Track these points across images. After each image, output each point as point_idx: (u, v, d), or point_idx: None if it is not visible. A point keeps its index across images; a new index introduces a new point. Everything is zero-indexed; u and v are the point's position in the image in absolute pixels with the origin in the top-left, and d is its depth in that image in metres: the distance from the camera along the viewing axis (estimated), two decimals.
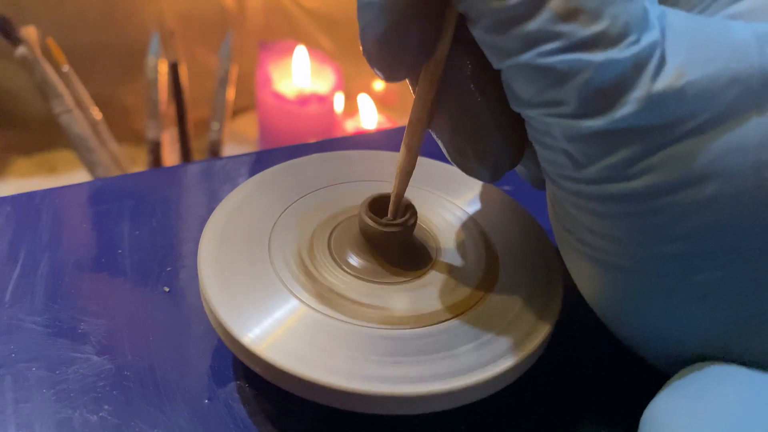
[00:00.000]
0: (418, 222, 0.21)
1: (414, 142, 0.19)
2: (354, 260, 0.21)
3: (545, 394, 0.22)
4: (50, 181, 0.75)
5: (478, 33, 0.15)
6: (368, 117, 0.82)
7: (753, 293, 0.15)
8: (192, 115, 0.71)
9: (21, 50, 0.59)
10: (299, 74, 0.79)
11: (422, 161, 0.25)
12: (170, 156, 0.73)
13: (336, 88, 0.80)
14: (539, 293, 0.21)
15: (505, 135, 0.18)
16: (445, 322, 0.19)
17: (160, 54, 0.67)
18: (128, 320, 0.23)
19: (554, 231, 0.19)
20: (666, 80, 0.14)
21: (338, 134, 0.81)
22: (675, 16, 0.15)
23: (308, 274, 0.20)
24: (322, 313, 0.19)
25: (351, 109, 0.84)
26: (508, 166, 0.19)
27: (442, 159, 0.22)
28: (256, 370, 0.18)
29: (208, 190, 0.30)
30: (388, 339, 0.18)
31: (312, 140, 0.36)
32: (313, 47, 0.83)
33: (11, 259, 0.25)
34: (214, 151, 0.71)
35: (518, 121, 0.17)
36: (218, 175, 0.31)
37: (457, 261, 0.22)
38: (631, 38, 0.14)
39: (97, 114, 0.68)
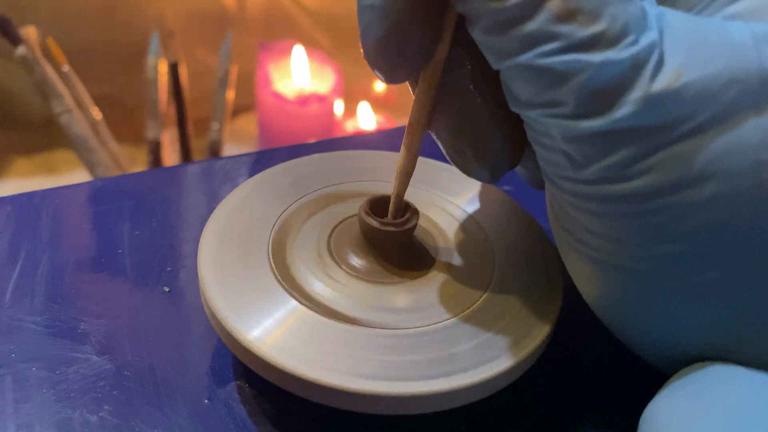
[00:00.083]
0: (418, 222, 0.21)
1: (414, 142, 0.19)
2: (354, 260, 0.21)
3: (545, 394, 0.22)
4: (50, 181, 0.75)
5: (477, 34, 0.15)
6: (367, 121, 0.82)
7: (753, 293, 0.15)
8: (192, 115, 0.71)
9: (21, 50, 0.59)
10: (299, 74, 0.79)
11: (422, 161, 0.25)
12: (170, 156, 0.73)
13: (336, 88, 0.80)
14: (539, 293, 0.21)
15: (505, 135, 0.18)
16: (445, 322, 0.19)
17: (160, 54, 0.67)
18: (128, 320, 0.23)
19: (554, 231, 0.19)
20: (664, 81, 0.14)
21: (338, 134, 0.81)
22: (673, 16, 0.15)
23: (308, 274, 0.20)
24: (322, 313, 0.19)
25: (351, 109, 0.84)
26: (507, 167, 0.19)
27: (442, 159, 0.22)
28: (256, 370, 0.18)
29: (208, 190, 0.30)
30: (388, 339, 0.19)
31: (312, 140, 0.36)
32: (313, 47, 0.83)
33: (11, 259, 0.25)
34: (214, 151, 0.71)
35: (518, 122, 0.17)
36: (218, 175, 0.31)
37: (457, 261, 0.22)
38: (630, 39, 0.14)
39: (97, 114, 0.68)
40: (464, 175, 0.19)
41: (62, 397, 0.20)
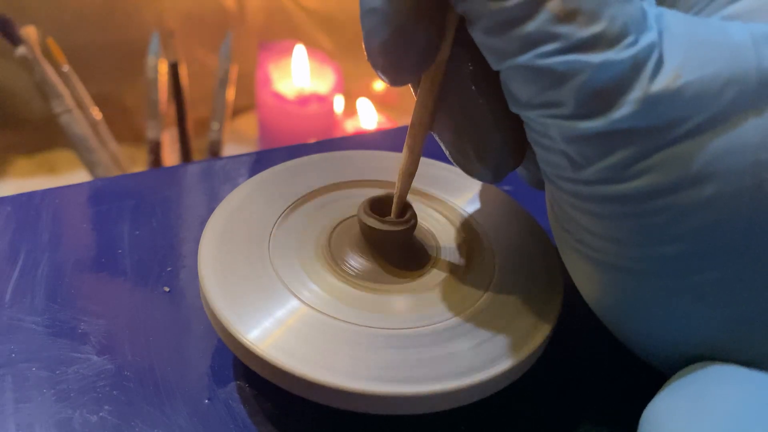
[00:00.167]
0: (418, 222, 0.21)
1: (416, 144, 0.19)
2: (354, 260, 0.21)
3: (545, 394, 0.22)
4: (50, 181, 0.75)
5: (477, 34, 0.15)
6: (368, 120, 0.82)
7: (752, 293, 0.15)
8: (192, 115, 0.71)
9: (21, 50, 0.59)
10: (299, 74, 0.79)
11: (422, 161, 0.25)
12: (170, 156, 0.73)
13: (336, 88, 0.80)
14: (539, 293, 0.21)
15: (507, 136, 0.18)
16: (445, 322, 0.19)
17: (160, 54, 0.67)
18: (128, 320, 0.23)
19: (554, 231, 0.19)
20: (664, 81, 0.14)
21: (338, 134, 0.81)
22: (673, 17, 0.15)
23: (308, 274, 0.20)
24: (322, 312, 0.19)
25: (351, 109, 0.84)
26: (509, 167, 0.19)
27: (443, 159, 0.22)
28: (256, 369, 0.18)
29: (208, 190, 0.30)
30: (388, 339, 0.19)
31: (312, 140, 0.36)
32: (313, 47, 0.83)
33: (11, 259, 0.25)
34: (214, 151, 0.71)
35: (519, 123, 0.17)
36: (218, 175, 0.31)
37: (457, 261, 0.22)
38: (629, 39, 0.14)
39: (97, 114, 0.68)
40: (464, 175, 0.20)
41: (62, 397, 0.20)
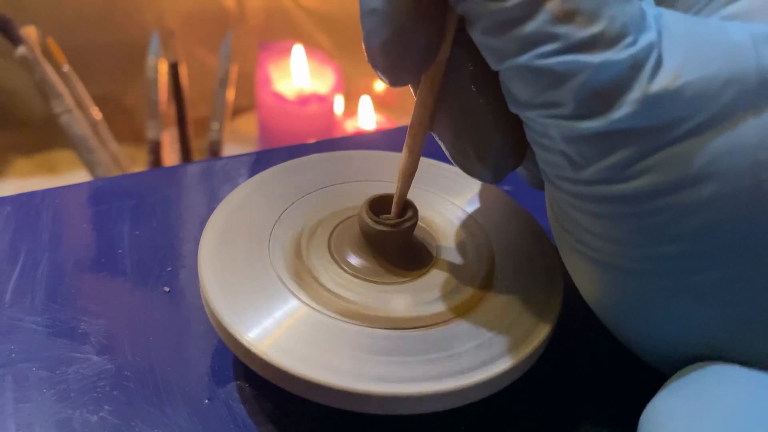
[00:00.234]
0: (418, 222, 0.21)
1: (416, 144, 0.19)
2: (354, 260, 0.21)
3: (545, 394, 0.22)
4: (50, 181, 0.75)
5: (476, 35, 0.15)
6: (368, 120, 0.82)
7: (752, 293, 0.15)
8: (192, 115, 0.71)
9: (21, 50, 0.59)
10: (299, 74, 0.79)
11: (422, 161, 0.25)
12: (170, 156, 0.73)
13: (336, 88, 0.80)
14: (539, 293, 0.21)
15: (507, 136, 0.18)
16: (445, 322, 0.19)
17: (160, 54, 0.67)
18: (128, 320, 0.23)
19: (554, 231, 0.19)
20: (663, 81, 0.14)
21: (338, 134, 0.81)
22: (672, 17, 0.15)
23: (308, 273, 0.20)
24: (322, 312, 0.19)
25: (351, 109, 0.84)
26: (509, 167, 0.19)
27: (443, 159, 0.22)
28: (256, 369, 0.18)
29: (208, 190, 0.30)
30: (389, 339, 0.19)
31: (312, 140, 0.36)
32: (313, 47, 0.83)
33: (11, 259, 0.25)
34: (214, 151, 0.71)
35: (519, 123, 0.17)
36: (218, 175, 0.31)
37: (457, 261, 0.22)
38: (628, 40, 0.14)
39: (97, 114, 0.68)
40: (464, 175, 0.20)
41: (62, 397, 0.20)
